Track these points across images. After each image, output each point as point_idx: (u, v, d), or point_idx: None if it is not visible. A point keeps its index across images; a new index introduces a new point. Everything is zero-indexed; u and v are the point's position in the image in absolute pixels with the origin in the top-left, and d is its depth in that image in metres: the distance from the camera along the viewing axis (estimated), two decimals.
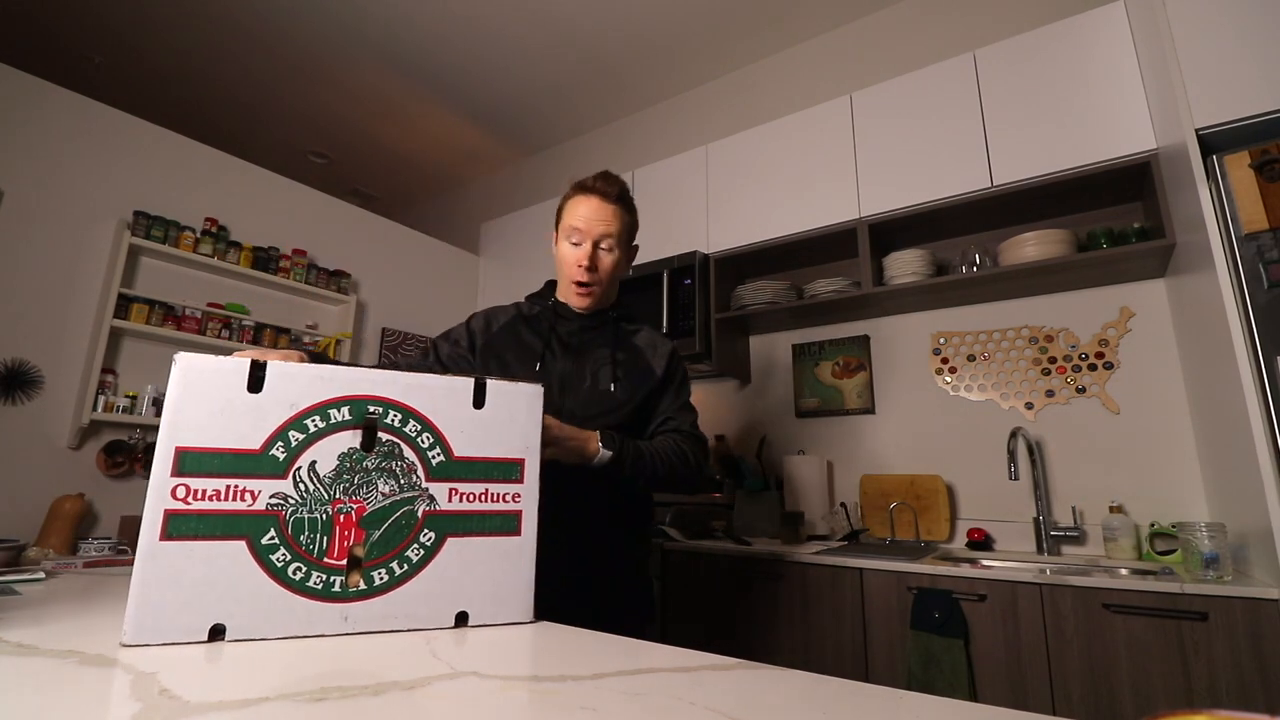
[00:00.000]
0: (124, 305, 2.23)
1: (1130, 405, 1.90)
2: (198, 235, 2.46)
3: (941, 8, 2.56)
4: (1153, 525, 1.74)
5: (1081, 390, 1.99)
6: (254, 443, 0.64)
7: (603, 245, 1.13)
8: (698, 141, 3.03)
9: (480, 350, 1.16)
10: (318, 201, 3.00)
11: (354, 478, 0.66)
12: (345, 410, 0.67)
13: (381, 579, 0.64)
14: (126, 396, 2.24)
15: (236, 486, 0.62)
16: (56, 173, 2.17)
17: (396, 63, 3.20)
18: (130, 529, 2.15)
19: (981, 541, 1.97)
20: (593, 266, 1.12)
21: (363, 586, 0.64)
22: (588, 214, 1.12)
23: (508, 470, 0.72)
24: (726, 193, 2.56)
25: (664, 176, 2.76)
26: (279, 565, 0.62)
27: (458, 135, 3.87)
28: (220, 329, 2.49)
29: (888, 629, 1.62)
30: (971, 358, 2.21)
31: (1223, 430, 1.51)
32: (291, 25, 2.94)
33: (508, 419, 0.73)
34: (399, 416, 0.69)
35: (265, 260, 2.66)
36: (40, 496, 1.97)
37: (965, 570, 1.57)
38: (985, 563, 1.79)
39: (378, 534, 0.65)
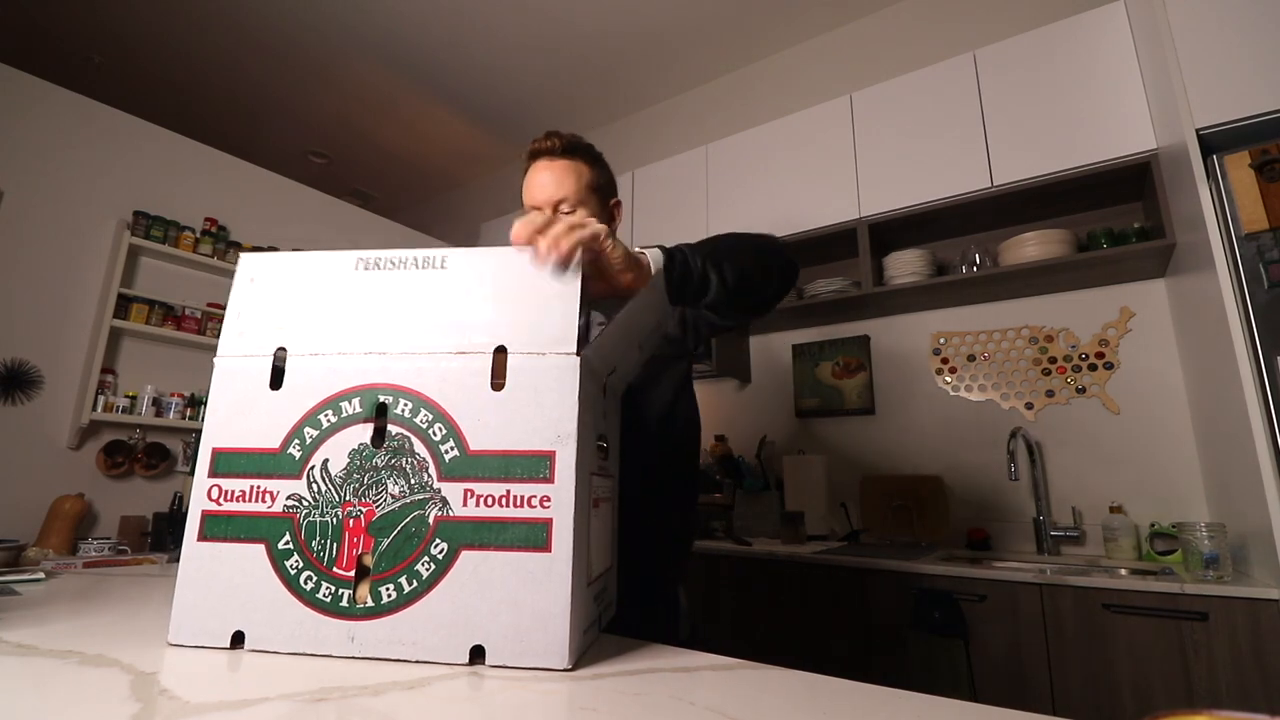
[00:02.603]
0: (124, 305, 2.23)
1: (1130, 405, 1.90)
2: (197, 235, 2.46)
3: (941, 8, 2.56)
4: (1153, 525, 1.73)
5: (1081, 390, 1.99)
6: (274, 441, 0.62)
7: (563, 209, 0.99)
8: (698, 141, 3.03)
9: None
10: (318, 201, 3.00)
11: (364, 477, 0.60)
12: (356, 402, 0.62)
13: (389, 596, 0.56)
14: (126, 396, 2.24)
15: (258, 487, 0.61)
16: (56, 173, 2.17)
17: (396, 63, 3.20)
18: (130, 529, 2.15)
19: (981, 541, 1.97)
20: None
21: (370, 604, 0.56)
22: (537, 182, 1.01)
23: (532, 466, 0.57)
24: (726, 193, 2.56)
25: (664, 176, 2.76)
26: (293, 573, 0.58)
27: (458, 135, 3.87)
28: (220, 329, 2.49)
29: (888, 629, 1.62)
30: (971, 358, 2.21)
31: (1223, 430, 1.51)
32: (291, 25, 2.94)
33: (532, 400, 0.58)
34: (409, 405, 0.60)
35: None
36: (40, 496, 1.97)
37: (965, 570, 1.57)
38: (985, 563, 1.79)
39: (386, 542, 0.58)
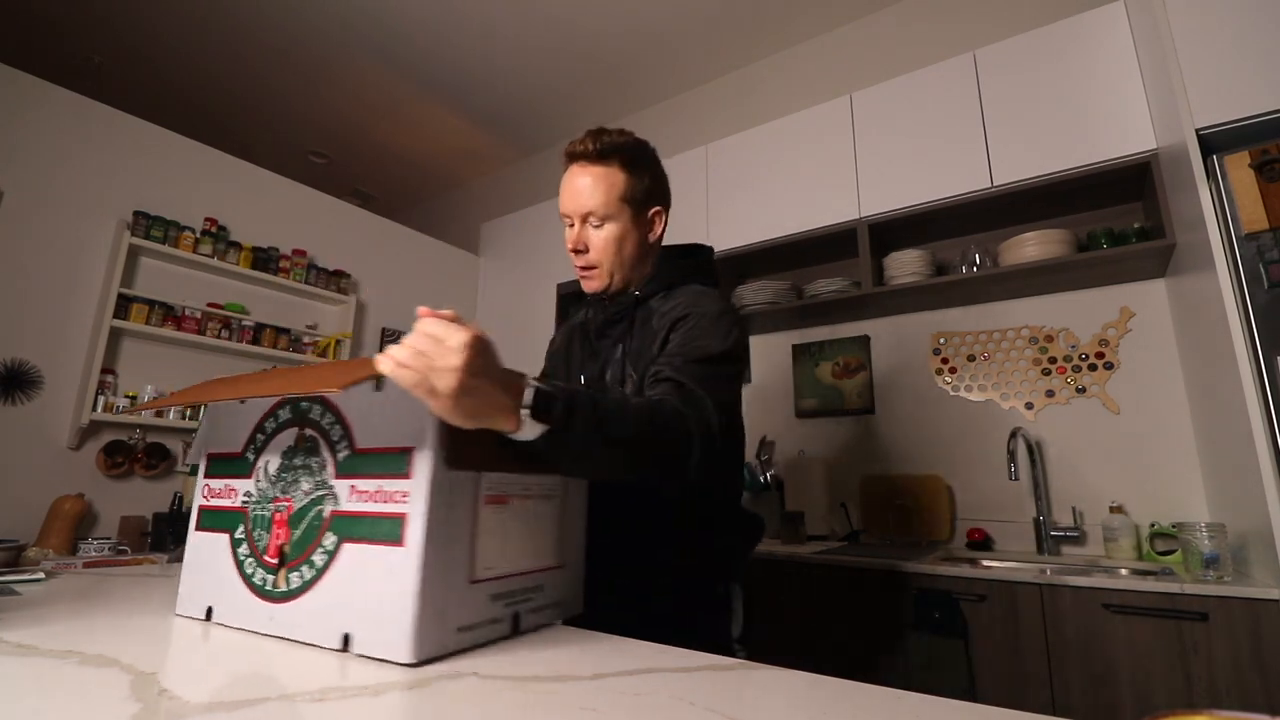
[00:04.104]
0: (124, 305, 2.23)
1: (1130, 405, 1.90)
2: (198, 235, 2.46)
3: (941, 8, 2.56)
4: (1153, 525, 1.73)
5: (1081, 390, 1.99)
6: (238, 446, 0.72)
7: (591, 221, 0.96)
8: (698, 141, 3.03)
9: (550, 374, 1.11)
10: (318, 201, 3.00)
11: (289, 475, 0.66)
12: (287, 409, 0.69)
13: (296, 583, 0.61)
14: (126, 397, 2.24)
15: (229, 486, 0.71)
16: (56, 173, 2.17)
17: (397, 62, 3.20)
18: (130, 529, 2.15)
19: (981, 541, 1.97)
20: (581, 248, 0.98)
21: (283, 588, 0.61)
22: (568, 190, 0.97)
23: (396, 462, 0.58)
24: (726, 193, 2.56)
25: None
26: (242, 558, 0.66)
27: (458, 135, 3.87)
28: (220, 329, 2.49)
29: (888, 629, 1.62)
30: (971, 358, 2.20)
31: (1223, 430, 1.51)
32: (292, 25, 2.94)
33: (402, 399, 0.58)
34: (319, 409, 0.66)
35: (265, 260, 2.66)
36: (40, 496, 1.97)
37: (965, 570, 1.57)
38: (985, 563, 1.79)
39: (298, 534, 0.63)
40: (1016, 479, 1.85)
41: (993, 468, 2.06)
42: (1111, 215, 2.00)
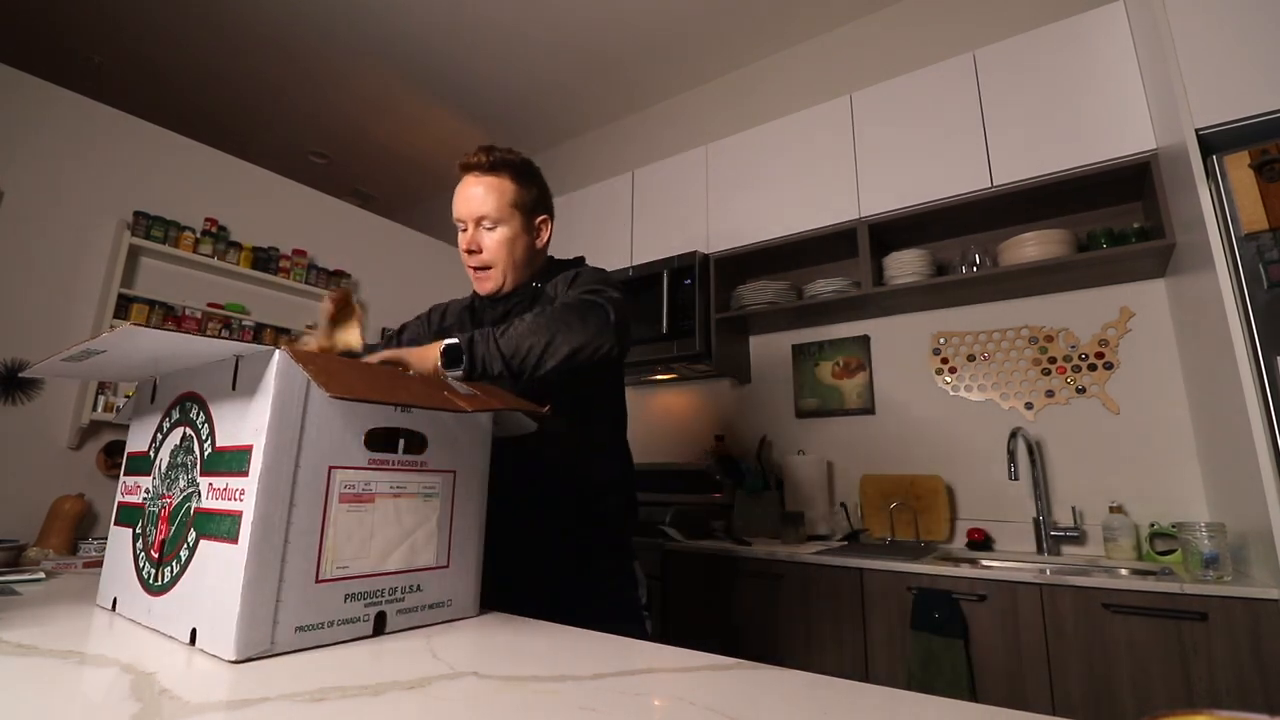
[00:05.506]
0: (124, 305, 2.23)
1: (1130, 405, 1.90)
2: (198, 235, 2.46)
3: (941, 8, 2.56)
4: (1153, 525, 1.73)
5: (1081, 390, 1.99)
6: (144, 445, 0.75)
7: (485, 224, 1.05)
8: (698, 141, 3.03)
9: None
10: (318, 201, 3.00)
11: (172, 473, 0.68)
12: (177, 410, 0.71)
13: (169, 576, 0.62)
14: (127, 396, 2.24)
15: (136, 484, 0.74)
16: (56, 173, 2.17)
17: (397, 62, 3.20)
18: None
19: (981, 541, 1.97)
20: (475, 249, 1.06)
21: (160, 582, 0.63)
22: (462, 196, 1.06)
23: (239, 460, 0.58)
24: (726, 193, 2.56)
25: (664, 176, 2.76)
26: (138, 551, 0.69)
27: (458, 135, 3.86)
28: (220, 329, 2.49)
29: (888, 629, 1.62)
30: (971, 358, 2.20)
31: (1223, 430, 1.50)
32: (292, 24, 2.94)
33: (249, 397, 0.60)
34: (196, 408, 0.67)
35: (265, 260, 2.66)
36: (40, 496, 1.97)
37: (965, 570, 1.57)
38: (985, 563, 1.79)
39: (173, 530, 0.64)
40: (1016, 479, 1.85)
41: (993, 468, 2.06)
42: (1111, 215, 2.00)
